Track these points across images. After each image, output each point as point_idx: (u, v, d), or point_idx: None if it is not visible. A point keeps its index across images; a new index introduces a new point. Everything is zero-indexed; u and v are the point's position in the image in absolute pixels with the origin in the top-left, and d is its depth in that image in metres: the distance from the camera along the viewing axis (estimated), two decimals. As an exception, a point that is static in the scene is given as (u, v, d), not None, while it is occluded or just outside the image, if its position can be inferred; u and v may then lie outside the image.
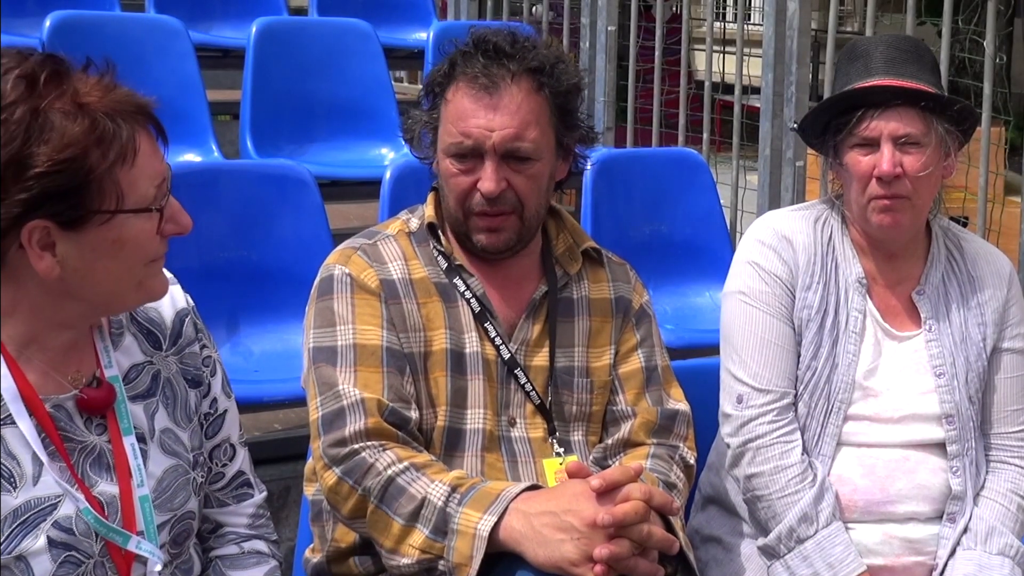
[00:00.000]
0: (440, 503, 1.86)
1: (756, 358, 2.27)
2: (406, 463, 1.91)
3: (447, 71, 2.08)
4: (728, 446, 2.28)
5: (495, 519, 1.82)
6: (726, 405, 2.30)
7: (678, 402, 2.21)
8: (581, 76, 2.14)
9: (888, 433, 2.27)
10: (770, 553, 2.24)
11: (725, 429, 2.30)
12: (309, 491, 2.15)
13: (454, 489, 1.87)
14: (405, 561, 1.89)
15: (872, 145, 2.21)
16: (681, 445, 2.18)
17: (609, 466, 2.12)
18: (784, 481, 2.21)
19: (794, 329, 2.28)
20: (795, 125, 2.43)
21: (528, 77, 2.05)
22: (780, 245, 2.30)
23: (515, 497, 1.85)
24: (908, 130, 2.20)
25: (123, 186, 1.56)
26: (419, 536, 1.87)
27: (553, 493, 1.88)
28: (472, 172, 2.05)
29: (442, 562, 1.85)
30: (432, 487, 1.88)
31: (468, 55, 2.06)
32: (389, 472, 1.90)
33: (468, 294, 2.09)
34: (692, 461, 2.19)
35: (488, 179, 2.03)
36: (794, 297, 2.28)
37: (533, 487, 1.90)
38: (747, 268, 2.31)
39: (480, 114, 2.03)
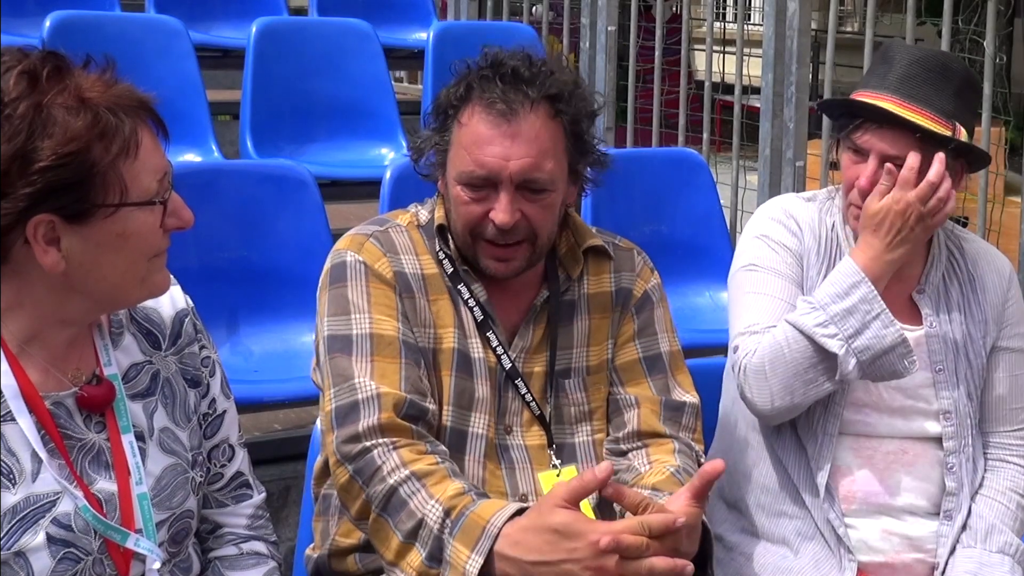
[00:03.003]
0: (436, 529, 1.84)
1: (753, 309, 2.26)
2: (408, 471, 1.88)
3: (463, 94, 2.03)
4: (742, 390, 2.23)
5: (481, 560, 1.79)
6: (728, 366, 2.29)
7: (685, 392, 2.17)
8: (597, 102, 2.10)
9: (887, 424, 2.27)
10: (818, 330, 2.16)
11: (737, 380, 2.24)
12: (318, 489, 2.14)
13: (447, 513, 1.84)
14: None
15: (863, 155, 2.22)
16: (692, 442, 2.16)
17: (626, 453, 2.11)
18: (783, 339, 2.17)
19: (800, 291, 2.27)
20: (817, 104, 2.43)
21: (546, 104, 2.00)
22: (789, 221, 2.32)
23: (500, 531, 1.80)
24: (896, 153, 2.20)
25: (126, 179, 1.57)
26: (416, 558, 1.86)
27: (541, 535, 1.79)
28: (484, 201, 2.00)
29: None
30: (429, 507, 1.85)
31: (486, 78, 2.01)
32: (391, 481, 1.88)
33: (472, 301, 2.08)
34: (703, 460, 2.17)
35: (503, 211, 1.98)
36: (802, 267, 2.28)
37: (520, 511, 1.84)
38: (756, 241, 2.31)
39: (497, 142, 1.97)
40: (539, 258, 2.08)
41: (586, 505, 2.04)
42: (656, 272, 2.25)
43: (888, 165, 2.19)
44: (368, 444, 1.91)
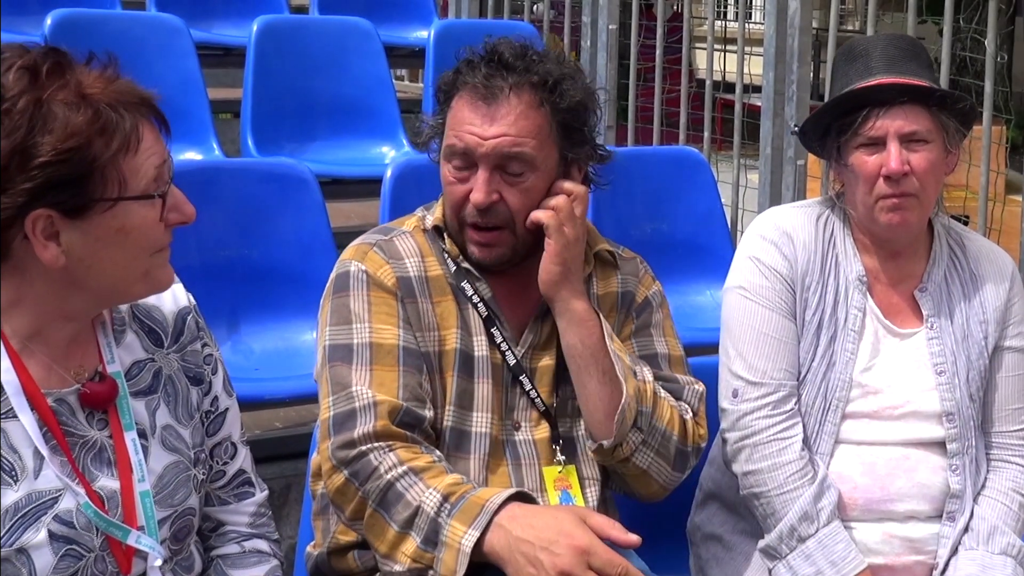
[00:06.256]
0: (432, 513, 1.85)
1: (752, 351, 2.27)
2: (405, 467, 1.90)
3: (452, 79, 2.08)
4: (726, 441, 2.29)
5: (478, 534, 1.81)
6: (723, 400, 2.30)
7: (688, 382, 2.19)
8: (591, 93, 2.11)
9: (888, 431, 2.27)
10: (772, 554, 2.24)
11: (723, 424, 2.30)
12: (316, 487, 2.15)
13: (446, 498, 1.86)
14: (397, 568, 1.89)
15: (878, 144, 2.21)
16: (687, 406, 2.16)
17: None
18: (782, 478, 2.21)
19: (795, 323, 2.28)
20: (796, 129, 2.42)
21: (529, 91, 2.03)
22: (782, 241, 2.30)
23: (499, 509, 1.83)
24: (914, 127, 2.20)
25: (126, 174, 1.57)
26: (411, 544, 1.87)
27: (542, 519, 1.82)
28: (467, 181, 2.04)
29: (431, 572, 1.85)
30: (426, 495, 1.87)
31: (472, 64, 2.06)
32: (388, 477, 1.89)
33: (476, 298, 2.09)
34: (688, 416, 2.14)
35: (478, 189, 2.02)
36: (794, 292, 2.28)
37: (521, 495, 1.88)
38: (748, 263, 2.31)
39: (476, 122, 2.02)
40: (524, 248, 2.09)
41: (577, 494, 2.09)
42: (657, 281, 2.28)
43: None
44: (364, 448, 1.93)
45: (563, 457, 2.11)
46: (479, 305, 2.09)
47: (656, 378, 2.16)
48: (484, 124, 2.01)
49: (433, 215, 2.15)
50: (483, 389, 2.07)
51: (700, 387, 2.20)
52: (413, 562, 1.86)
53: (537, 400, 2.10)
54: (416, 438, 1.96)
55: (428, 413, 2.00)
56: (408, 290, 2.06)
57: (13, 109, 1.51)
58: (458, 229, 2.08)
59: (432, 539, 1.85)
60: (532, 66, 2.04)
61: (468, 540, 1.81)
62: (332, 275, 2.10)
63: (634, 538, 1.83)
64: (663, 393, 2.12)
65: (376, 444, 1.92)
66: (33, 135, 1.51)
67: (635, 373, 2.08)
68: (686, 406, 2.17)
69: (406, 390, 1.98)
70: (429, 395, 2.02)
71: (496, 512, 1.83)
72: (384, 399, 1.96)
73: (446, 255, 2.11)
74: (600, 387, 2.05)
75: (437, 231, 2.13)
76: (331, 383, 2.00)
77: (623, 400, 2.03)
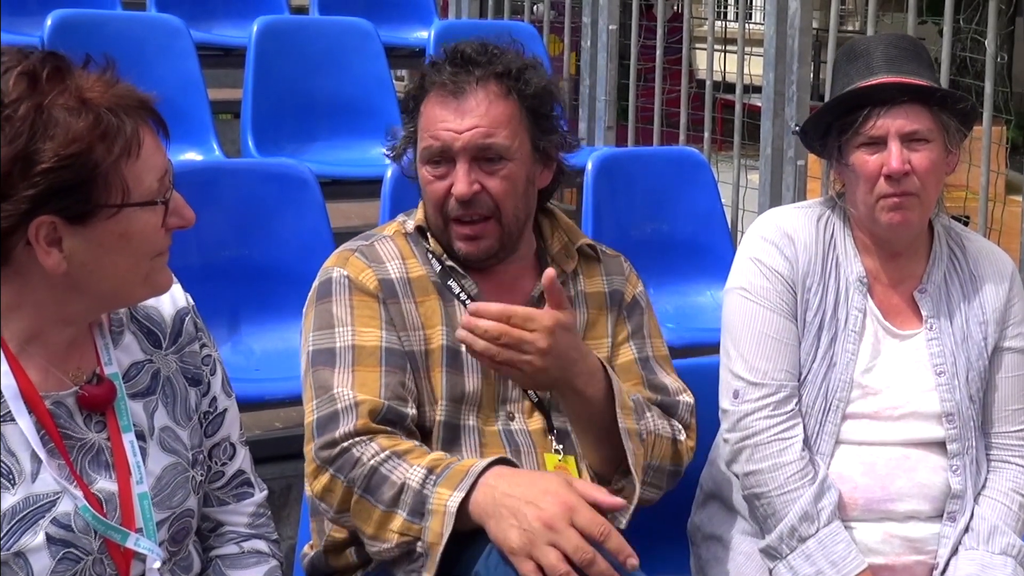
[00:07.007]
0: (417, 486, 1.87)
1: (753, 352, 2.27)
2: (388, 452, 1.92)
3: (419, 84, 2.12)
4: (726, 442, 2.29)
5: (463, 495, 1.82)
6: (723, 401, 2.30)
7: (680, 392, 2.21)
8: (553, 80, 2.15)
9: (888, 431, 2.27)
10: (772, 554, 2.24)
11: (724, 425, 2.30)
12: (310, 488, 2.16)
13: (430, 471, 1.87)
14: (386, 546, 1.89)
15: (879, 143, 2.21)
16: (679, 425, 2.18)
17: None
18: (783, 479, 2.21)
19: (796, 324, 2.28)
20: (797, 128, 2.42)
21: (495, 81, 2.08)
22: (783, 242, 2.30)
23: (484, 470, 1.84)
24: (916, 127, 2.20)
25: (128, 180, 1.57)
26: (398, 520, 1.87)
27: (529, 478, 1.85)
28: (446, 177, 2.07)
29: (419, 543, 1.85)
30: (411, 472, 1.88)
31: (436, 65, 2.10)
32: (372, 463, 1.91)
33: (463, 296, 2.10)
34: (682, 437, 2.18)
35: (460, 181, 2.05)
36: (795, 293, 2.28)
37: (505, 461, 1.89)
38: (749, 264, 2.31)
39: (449, 118, 2.06)
40: (510, 240, 2.11)
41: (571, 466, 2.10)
42: (641, 280, 2.29)
43: None
44: (346, 444, 1.94)
45: (560, 447, 2.12)
46: (466, 302, 2.10)
47: (652, 388, 2.19)
48: (456, 119, 2.05)
49: (414, 218, 2.18)
50: (473, 382, 2.08)
51: (690, 399, 2.22)
52: (400, 536, 1.87)
53: (530, 392, 2.12)
54: (397, 432, 1.98)
55: (410, 411, 2.01)
56: (390, 292, 2.08)
57: (14, 116, 1.50)
58: (443, 228, 2.10)
59: (419, 510, 1.85)
60: (494, 59, 2.09)
61: (453, 501, 1.82)
62: (315, 283, 2.11)
63: (619, 500, 1.85)
64: (659, 428, 2.13)
65: (357, 439, 1.94)
66: (35, 141, 1.50)
67: (640, 436, 2.08)
68: (679, 426, 2.19)
69: (387, 389, 2.00)
70: (413, 394, 2.04)
71: (481, 474, 1.84)
72: (365, 398, 1.97)
73: (430, 255, 2.13)
74: (600, 447, 2.08)
75: (420, 232, 2.15)
76: (314, 387, 2.02)
77: (634, 501, 2.04)
